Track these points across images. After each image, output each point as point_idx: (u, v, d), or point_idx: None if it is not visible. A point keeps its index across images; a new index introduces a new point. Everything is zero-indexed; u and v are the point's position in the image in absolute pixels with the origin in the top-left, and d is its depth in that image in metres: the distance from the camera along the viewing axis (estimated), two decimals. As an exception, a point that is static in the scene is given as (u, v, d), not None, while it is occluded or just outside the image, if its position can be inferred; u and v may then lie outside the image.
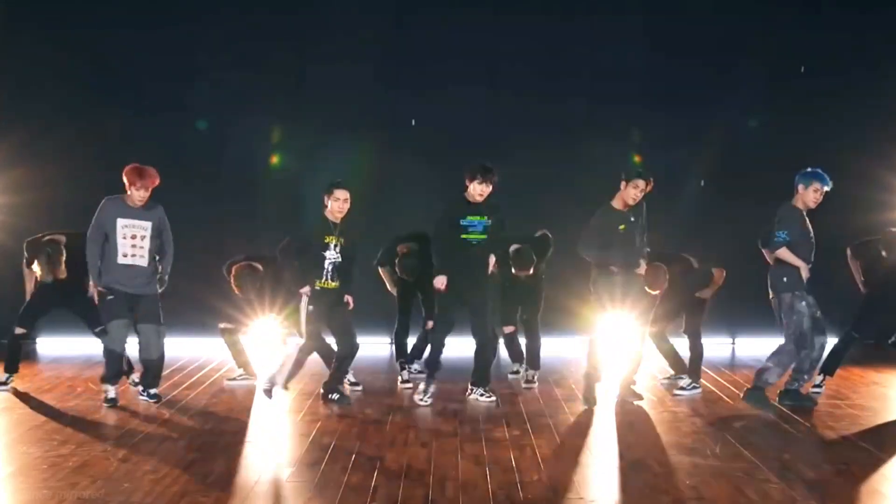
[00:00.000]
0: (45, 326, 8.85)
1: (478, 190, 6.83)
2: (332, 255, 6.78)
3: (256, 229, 9.66)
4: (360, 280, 7.08)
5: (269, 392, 6.91)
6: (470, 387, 7.11)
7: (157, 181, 6.78)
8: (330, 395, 6.93)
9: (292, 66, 9.96)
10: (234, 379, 7.74)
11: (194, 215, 9.30)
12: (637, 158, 9.72)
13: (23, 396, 7.15)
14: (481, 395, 7.02)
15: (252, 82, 9.80)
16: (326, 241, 6.78)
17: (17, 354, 7.48)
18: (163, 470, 5.14)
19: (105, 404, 6.73)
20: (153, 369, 6.91)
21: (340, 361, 6.98)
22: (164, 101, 9.72)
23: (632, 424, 6.41)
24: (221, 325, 7.73)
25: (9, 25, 9.72)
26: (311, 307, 6.79)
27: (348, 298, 6.88)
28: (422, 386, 7.10)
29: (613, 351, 7.34)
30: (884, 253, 7.48)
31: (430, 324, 7.64)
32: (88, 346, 9.33)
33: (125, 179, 6.71)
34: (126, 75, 9.71)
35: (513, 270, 7.44)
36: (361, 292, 7.09)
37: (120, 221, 6.67)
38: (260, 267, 7.51)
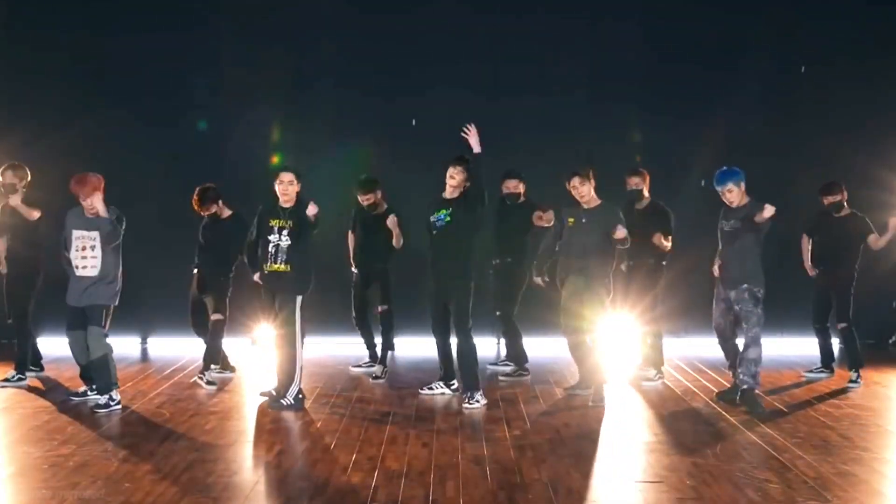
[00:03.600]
0: (45, 326, 8.83)
1: (447, 180, 6.94)
2: (274, 238, 6.72)
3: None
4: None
5: (280, 405, 6.71)
6: (462, 393, 7.06)
7: (89, 188, 6.69)
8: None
9: (292, 66, 9.95)
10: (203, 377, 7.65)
11: (194, 215, 9.30)
12: (637, 158, 9.72)
13: (23, 396, 7.15)
14: (468, 400, 6.82)
15: (252, 82, 9.78)
16: (271, 224, 6.75)
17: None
18: (163, 470, 5.15)
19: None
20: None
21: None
22: (164, 101, 9.71)
23: (632, 425, 6.41)
24: (216, 317, 7.67)
25: (9, 25, 9.72)
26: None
27: (312, 208, 6.69)
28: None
29: (609, 349, 7.40)
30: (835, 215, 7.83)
31: (381, 308, 8.13)
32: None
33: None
34: (126, 75, 9.69)
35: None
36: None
37: (74, 233, 6.73)
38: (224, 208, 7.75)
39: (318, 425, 6.25)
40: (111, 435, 5.98)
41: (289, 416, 6.57)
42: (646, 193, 7.81)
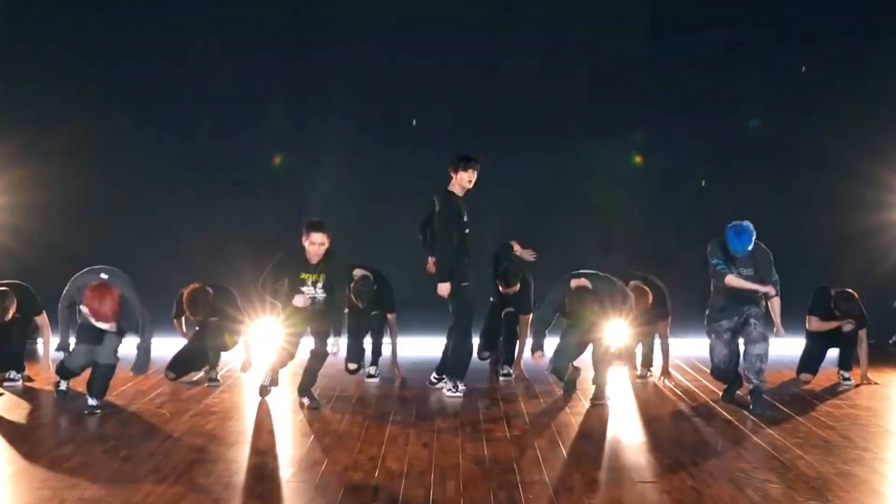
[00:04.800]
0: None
1: (468, 178, 6.99)
2: (309, 291, 6.61)
3: (257, 230, 9.67)
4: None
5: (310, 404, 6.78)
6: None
7: (110, 313, 6.33)
8: (302, 398, 6.85)
9: (293, 65, 9.95)
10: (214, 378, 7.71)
11: (194, 216, 9.32)
12: (638, 158, 9.74)
13: (24, 396, 7.14)
14: (449, 388, 7.13)
15: (253, 82, 9.79)
16: (302, 277, 6.59)
17: None
18: (163, 470, 5.14)
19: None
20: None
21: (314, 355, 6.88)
22: (165, 102, 9.71)
23: (632, 425, 6.41)
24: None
25: (9, 25, 9.73)
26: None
27: (336, 344, 6.73)
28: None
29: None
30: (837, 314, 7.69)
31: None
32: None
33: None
34: (126, 75, 9.70)
35: (500, 288, 7.66)
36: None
37: (84, 309, 6.46)
38: (210, 291, 7.47)
39: (319, 425, 6.25)
40: (111, 435, 5.97)
41: (289, 416, 6.57)
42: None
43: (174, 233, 9.47)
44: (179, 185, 9.59)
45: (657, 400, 7.14)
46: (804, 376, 7.94)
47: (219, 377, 7.67)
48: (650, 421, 6.51)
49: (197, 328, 7.78)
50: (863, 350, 7.77)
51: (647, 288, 7.57)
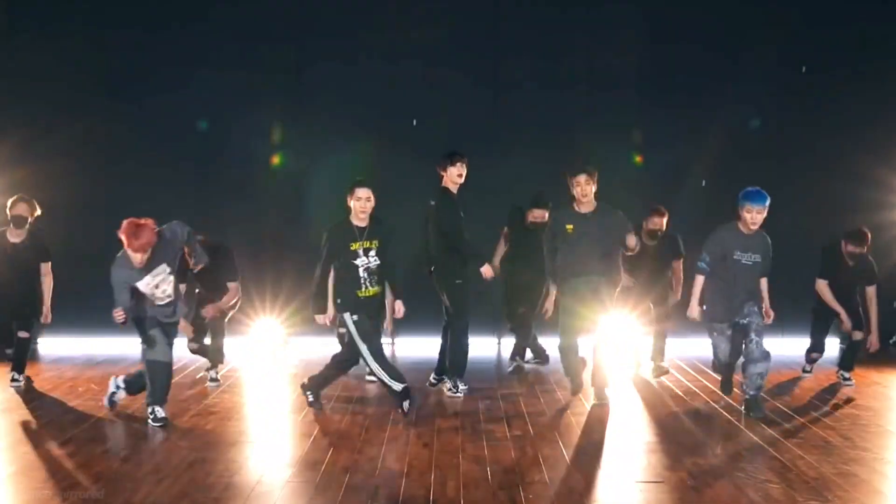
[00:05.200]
0: (46, 326, 8.83)
1: (457, 172, 7.08)
2: (361, 262, 6.44)
3: (257, 230, 9.68)
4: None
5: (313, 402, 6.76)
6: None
7: (154, 239, 6.00)
8: (307, 392, 6.77)
9: (293, 65, 9.95)
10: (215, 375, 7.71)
11: (195, 216, 9.29)
12: (638, 158, 9.73)
13: (24, 397, 7.15)
14: (450, 388, 7.22)
15: (252, 82, 9.79)
16: (353, 248, 6.44)
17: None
18: (164, 470, 5.15)
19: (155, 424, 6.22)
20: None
21: (338, 364, 6.80)
22: (165, 102, 9.71)
23: (632, 425, 6.41)
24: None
25: (9, 25, 9.73)
26: (355, 317, 6.43)
27: (398, 305, 6.55)
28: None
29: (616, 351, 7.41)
30: (850, 263, 7.69)
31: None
32: (89, 347, 9.37)
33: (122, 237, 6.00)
34: (126, 75, 9.70)
35: (529, 219, 8.09)
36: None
37: (140, 284, 6.11)
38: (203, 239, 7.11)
39: (319, 425, 6.25)
40: (112, 435, 5.98)
41: (289, 416, 6.58)
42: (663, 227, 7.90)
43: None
44: (180, 185, 9.59)
45: (657, 400, 7.14)
46: (814, 355, 8.00)
47: (219, 377, 7.68)
48: (650, 421, 6.51)
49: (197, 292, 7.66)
50: (873, 308, 7.67)
51: (664, 210, 7.85)
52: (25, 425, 6.24)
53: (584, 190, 6.87)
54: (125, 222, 5.96)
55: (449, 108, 9.75)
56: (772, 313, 6.62)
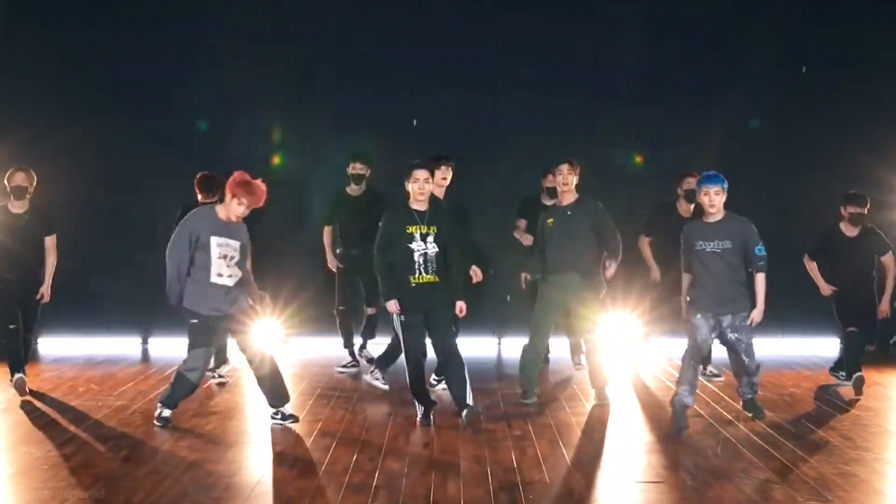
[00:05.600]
0: (46, 326, 8.84)
1: (440, 175, 6.90)
2: (418, 247, 6.11)
3: (257, 230, 9.64)
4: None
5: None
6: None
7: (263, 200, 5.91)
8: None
9: (293, 65, 9.95)
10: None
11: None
12: (638, 158, 9.73)
13: (24, 396, 7.14)
14: (376, 378, 7.15)
15: (252, 82, 9.78)
16: (409, 231, 6.12)
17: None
18: (164, 470, 5.15)
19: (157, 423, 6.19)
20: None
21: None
22: (165, 102, 9.71)
23: (632, 425, 6.41)
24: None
25: (9, 25, 9.72)
26: (402, 317, 6.19)
27: (461, 305, 6.27)
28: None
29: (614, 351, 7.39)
30: (852, 233, 7.52)
31: (370, 311, 8.18)
32: (90, 347, 9.37)
33: (228, 190, 5.83)
34: (126, 75, 9.69)
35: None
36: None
37: (214, 239, 5.93)
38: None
39: (319, 425, 6.25)
40: (112, 435, 5.97)
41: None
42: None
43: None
44: (180, 186, 9.57)
45: (657, 400, 7.13)
46: (850, 330, 7.46)
47: (225, 376, 7.68)
48: (650, 421, 6.51)
49: None
50: (890, 277, 7.48)
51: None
52: (26, 425, 6.24)
53: (566, 179, 6.82)
54: (237, 173, 5.81)
55: (449, 108, 9.74)
56: (757, 320, 6.17)
